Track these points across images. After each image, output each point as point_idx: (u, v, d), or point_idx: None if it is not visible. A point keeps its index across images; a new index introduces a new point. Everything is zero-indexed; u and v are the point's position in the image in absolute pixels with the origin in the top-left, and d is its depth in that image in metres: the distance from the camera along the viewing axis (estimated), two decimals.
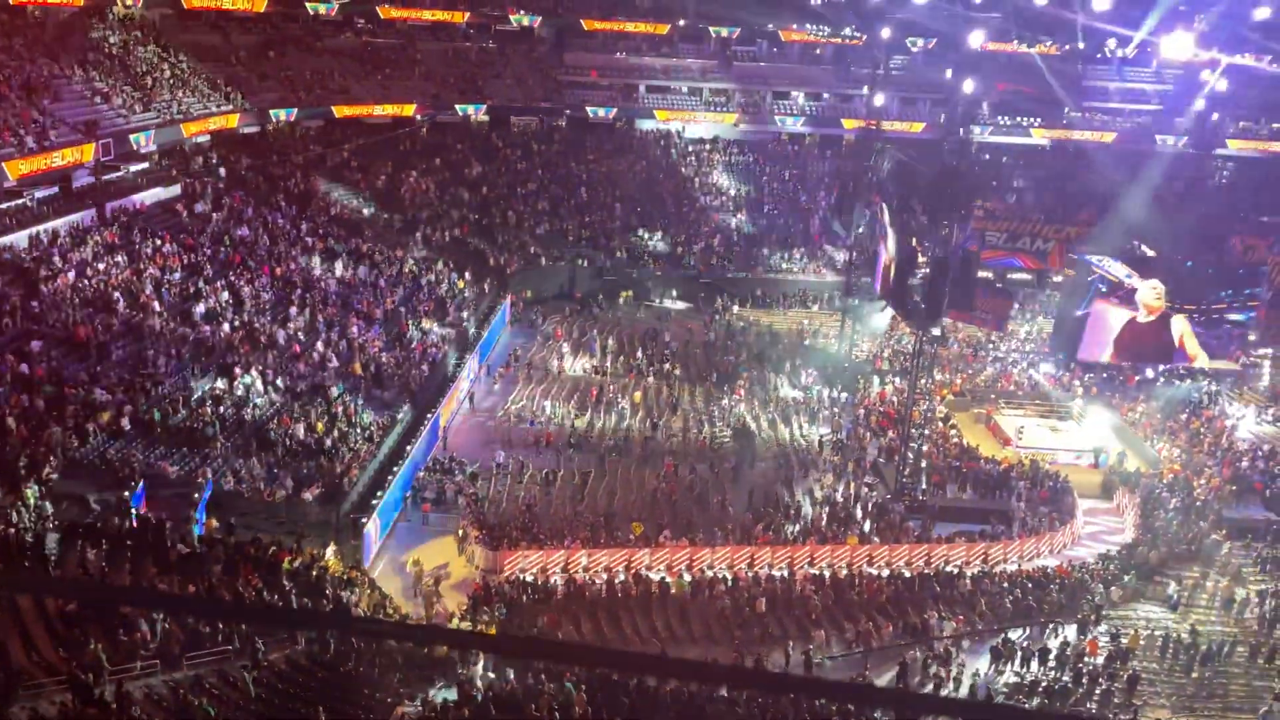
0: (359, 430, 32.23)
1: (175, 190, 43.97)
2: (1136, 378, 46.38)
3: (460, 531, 30.23)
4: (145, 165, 43.56)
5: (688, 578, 29.05)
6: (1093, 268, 42.27)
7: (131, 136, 40.88)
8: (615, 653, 20.78)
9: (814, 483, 35.98)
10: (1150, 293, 41.18)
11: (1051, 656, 27.04)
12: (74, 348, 30.41)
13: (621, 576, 29.02)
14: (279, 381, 33.13)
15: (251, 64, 54.63)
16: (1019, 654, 27.07)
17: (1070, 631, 28.53)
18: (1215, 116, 64.86)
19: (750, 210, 61.67)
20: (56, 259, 34.08)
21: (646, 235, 57.71)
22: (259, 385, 32.26)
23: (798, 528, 32.12)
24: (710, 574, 29.41)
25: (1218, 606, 30.28)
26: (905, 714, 16.77)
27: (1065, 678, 26.29)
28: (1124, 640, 27.69)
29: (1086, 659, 26.89)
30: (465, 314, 44.89)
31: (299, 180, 51.45)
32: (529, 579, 28.34)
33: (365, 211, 52.34)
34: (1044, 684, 26.02)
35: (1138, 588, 30.76)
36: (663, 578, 29.06)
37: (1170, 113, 66.65)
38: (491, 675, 21.78)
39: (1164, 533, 33.53)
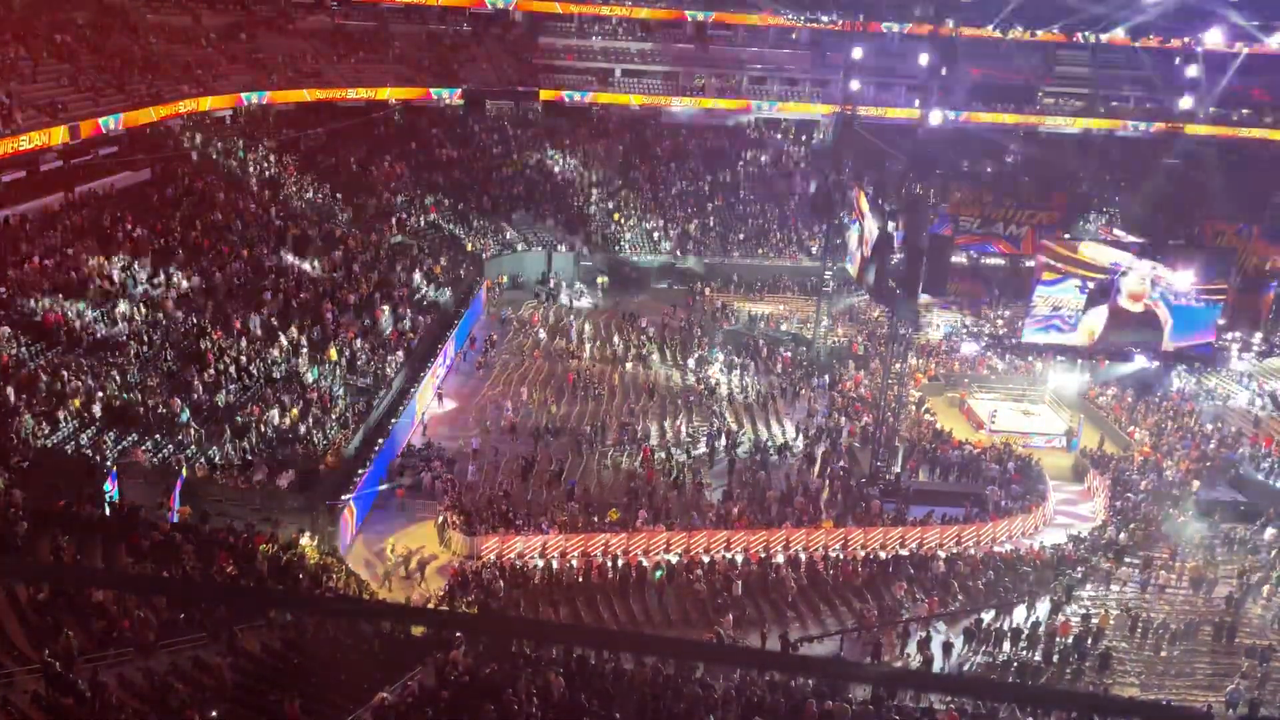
0: (334, 416, 32.06)
1: (145, 174, 43.42)
2: (1106, 361, 46.87)
3: (440, 518, 30.20)
4: (114, 149, 42.97)
5: (665, 558, 29.15)
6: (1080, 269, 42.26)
7: (100, 119, 40.29)
8: (595, 631, 20.88)
9: (788, 466, 36.16)
10: (1136, 281, 41.75)
11: (1024, 637, 27.40)
12: (43, 334, 30.02)
13: (599, 561, 29.07)
14: (252, 368, 32.89)
15: (222, 46, 53.94)
16: (992, 635, 27.41)
17: (1042, 612, 28.89)
18: (1187, 102, 65.45)
19: (726, 195, 61.67)
20: (24, 243, 33.59)
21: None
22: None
23: (774, 511, 32.29)
24: (686, 558, 29.52)
25: (1186, 587, 30.75)
26: (882, 690, 16.97)
27: (1037, 657, 26.66)
28: (1094, 620, 28.08)
29: (1059, 639, 27.25)
30: (441, 299, 44.69)
31: (271, 164, 50.92)
32: (506, 565, 28.34)
33: (338, 196, 51.93)
34: (1016, 663, 26.38)
35: (1108, 568, 31.17)
36: (640, 562, 29.15)
37: (1142, 98, 67.22)
38: (470, 659, 21.77)
39: (1134, 514, 34.00)
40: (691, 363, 42.92)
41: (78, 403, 27.36)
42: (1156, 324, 42.15)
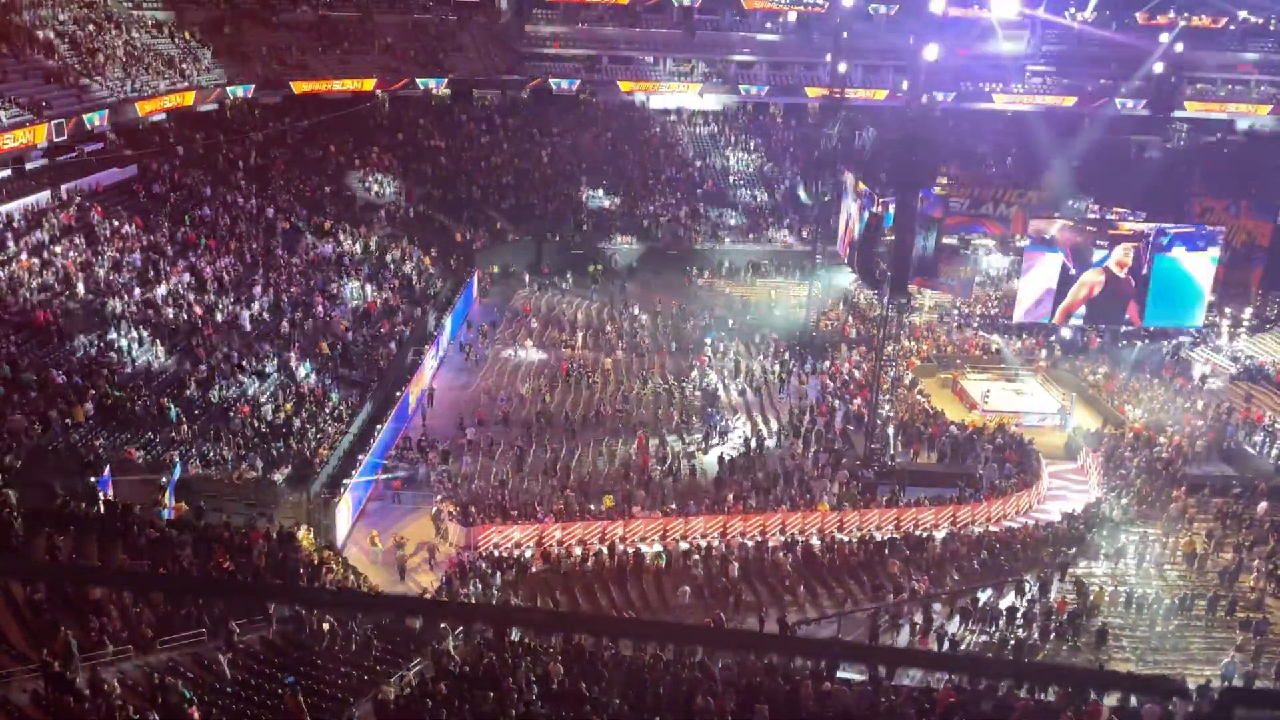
0: (328, 410, 32.00)
1: (132, 170, 43.18)
2: (1099, 340, 47.03)
3: (436, 509, 30.21)
4: (100, 145, 42.69)
5: (660, 549, 29.22)
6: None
7: (85, 116, 39.99)
8: (593, 618, 20.94)
9: (783, 450, 36.21)
10: (1122, 252, 42.28)
11: (1019, 614, 27.53)
12: (33, 332, 29.89)
13: (596, 549, 29.13)
14: (244, 363, 32.81)
15: (206, 40, 53.60)
16: (987, 613, 27.54)
17: (1037, 589, 29.03)
18: (1173, 79, 65.47)
19: (716, 181, 61.57)
20: (11, 242, 33.41)
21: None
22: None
23: (769, 495, 32.36)
24: (684, 545, 29.60)
25: (1180, 561, 30.92)
26: (878, 670, 17.06)
27: (1034, 635, 26.80)
28: (1090, 597, 28.22)
29: (1054, 616, 27.40)
30: (432, 290, 44.60)
31: (258, 158, 50.70)
32: (504, 554, 28.38)
33: (326, 189, 51.70)
34: (1012, 641, 26.51)
35: (1102, 544, 31.33)
36: (636, 549, 29.20)
37: (1129, 76, 67.22)
38: (468, 649, 21.83)
39: (1127, 490, 34.16)
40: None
41: (81, 412, 27.19)
42: (1134, 294, 43.20)
